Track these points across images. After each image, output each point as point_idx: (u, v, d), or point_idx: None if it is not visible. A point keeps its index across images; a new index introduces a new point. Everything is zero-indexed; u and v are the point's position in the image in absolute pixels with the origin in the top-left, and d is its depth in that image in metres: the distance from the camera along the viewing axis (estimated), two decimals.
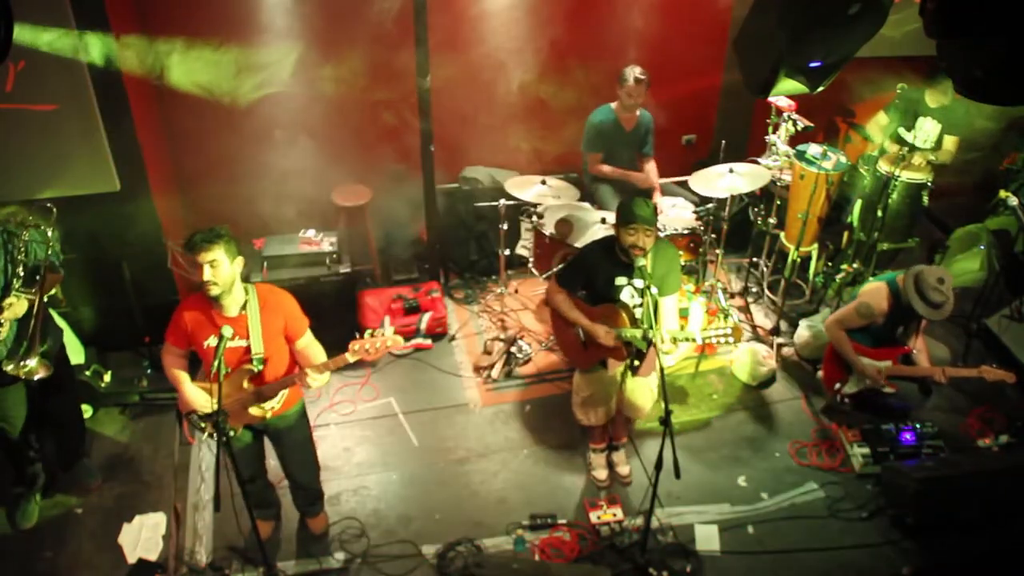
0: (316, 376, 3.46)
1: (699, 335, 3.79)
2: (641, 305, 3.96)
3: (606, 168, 5.59)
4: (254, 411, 3.55)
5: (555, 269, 5.09)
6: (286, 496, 4.27)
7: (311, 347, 3.61)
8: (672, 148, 6.03)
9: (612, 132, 5.51)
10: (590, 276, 4.08)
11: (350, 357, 3.36)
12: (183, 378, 3.56)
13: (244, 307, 3.43)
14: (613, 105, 5.48)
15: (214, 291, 3.29)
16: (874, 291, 4.43)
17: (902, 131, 5.46)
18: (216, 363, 3.24)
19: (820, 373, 4.96)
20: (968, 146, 5.56)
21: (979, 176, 5.82)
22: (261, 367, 3.46)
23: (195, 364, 3.60)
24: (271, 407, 3.58)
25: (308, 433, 3.95)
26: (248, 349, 3.44)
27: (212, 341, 3.38)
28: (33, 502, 4.23)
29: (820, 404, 5.07)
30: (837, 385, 4.73)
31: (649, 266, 3.90)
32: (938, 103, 5.42)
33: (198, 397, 3.52)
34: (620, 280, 4.00)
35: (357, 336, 3.36)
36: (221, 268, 3.27)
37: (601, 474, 4.57)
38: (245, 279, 3.49)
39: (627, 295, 4.01)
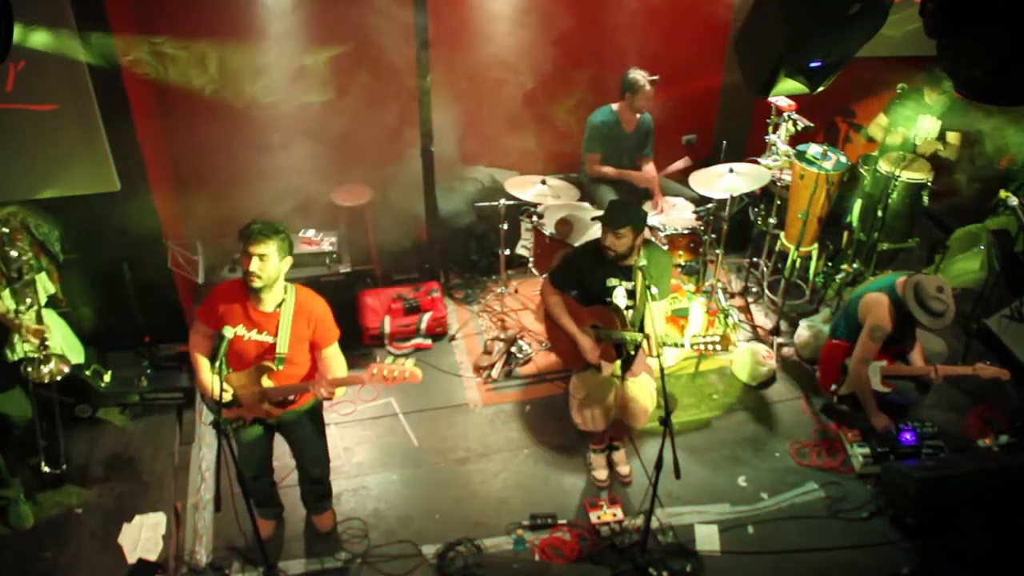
0: (331, 389, 3.45)
1: (688, 341, 3.84)
2: (632, 307, 3.97)
3: (605, 169, 5.58)
4: (267, 407, 3.56)
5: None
6: (288, 496, 4.27)
7: (335, 359, 3.61)
8: (672, 148, 6.02)
9: (612, 133, 5.51)
10: (583, 277, 4.09)
11: (366, 379, 3.33)
12: (203, 364, 3.56)
13: (280, 305, 3.44)
14: (614, 106, 5.48)
15: (256, 283, 3.29)
16: (877, 307, 4.40)
17: (902, 131, 5.47)
18: (217, 363, 3.24)
19: (818, 374, 4.96)
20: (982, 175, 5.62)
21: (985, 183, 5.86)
22: (281, 367, 3.47)
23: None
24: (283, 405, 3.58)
25: (322, 426, 3.95)
26: (273, 347, 3.44)
27: (240, 331, 3.39)
28: (22, 503, 4.22)
29: (820, 404, 5.07)
30: (833, 387, 4.74)
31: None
32: (936, 100, 5.43)
33: (213, 386, 3.51)
34: (612, 281, 4.02)
35: (377, 359, 3.35)
36: (269, 263, 3.28)
37: (601, 474, 4.57)
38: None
39: (619, 296, 4.02)
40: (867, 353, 4.44)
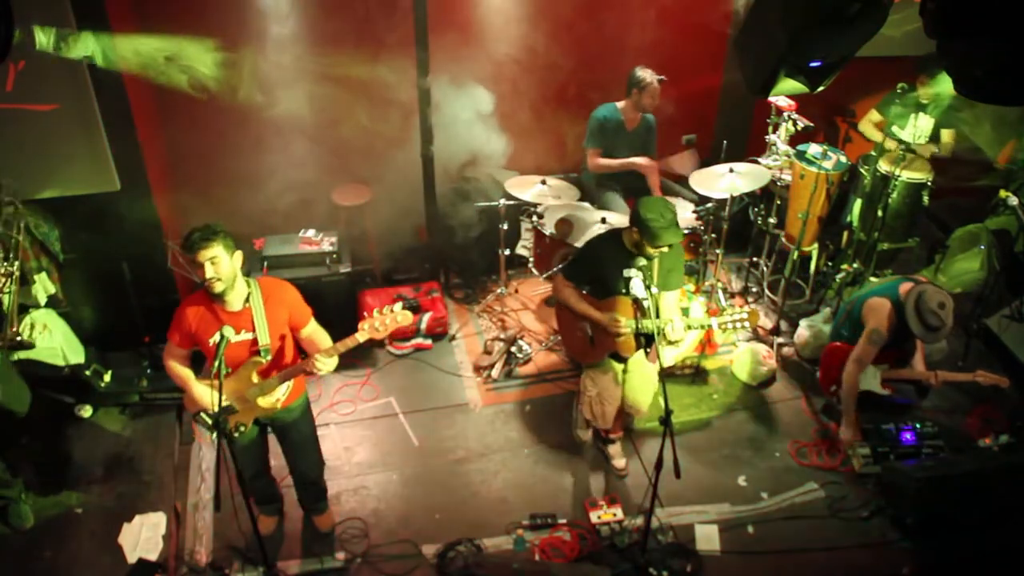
0: (325, 360, 3.45)
1: (715, 322, 3.89)
2: (648, 298, 3.98)
3: (606, 161, 5.55)
4: (263, 403, 3.55)
5: (559, 265, 5.09)
6: (287, 496, 4.27)
7: (316, 334, 3.63)
8: (672, 148, 6.02)
9: (614, 130, 5.51)
10: (600, 269, 4.08)
11: (360, 336, 3.37)
12: (190, 376, 3.55)
13: (247, 300, 3.43)
14: (619, 104, 5.48)
15: (218, 287, 3.29)
16: (878, 311, 4.40)
17: (896, 129, 5.47)
18: (216, 363, 3.23)
19: (818, 375, 4.96)
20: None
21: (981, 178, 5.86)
22: (268, 358, 3.47)
23: (196, 360, 3.59)
24: (278, 398, 3.58)
25: (313, 427, 3.95)
26: (255, 342, 3.44)
27: (217, 338, 3.37)
28: (22, 503, 4.22)
29: (820, 404, 5.07)
30: (833, 388, 4.74)
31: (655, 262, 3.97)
32: (929, 97, 5.44)
33: (206, 396, 3.50)
34: (629, 272, 3.99)
35: (365, 315, 3.37)
36: (222, 264, 3.27)
37: (620, 463, 4.62)
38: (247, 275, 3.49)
39: (636, 287, 4.00)
40: (863, 355, 4.44)
